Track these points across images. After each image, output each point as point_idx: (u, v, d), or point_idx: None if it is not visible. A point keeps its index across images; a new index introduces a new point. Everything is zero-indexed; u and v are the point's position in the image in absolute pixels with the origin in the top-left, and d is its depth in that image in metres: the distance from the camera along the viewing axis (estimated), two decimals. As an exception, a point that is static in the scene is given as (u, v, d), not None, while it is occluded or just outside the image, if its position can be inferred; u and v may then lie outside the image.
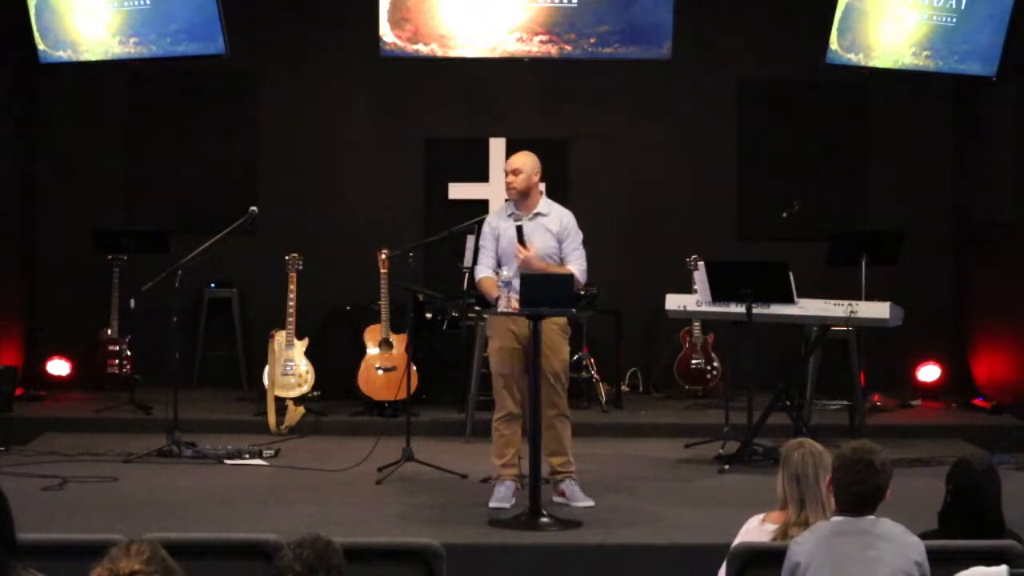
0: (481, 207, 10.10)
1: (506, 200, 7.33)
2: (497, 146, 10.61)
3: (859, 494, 4.05)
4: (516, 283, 6.73)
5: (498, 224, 7.18)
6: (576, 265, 7.06)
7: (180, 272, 8.26)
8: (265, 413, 9.19)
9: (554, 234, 7.07)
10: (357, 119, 10.86)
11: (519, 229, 7.00)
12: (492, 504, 6.95)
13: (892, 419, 9.68)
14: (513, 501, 6.96)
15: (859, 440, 4.28)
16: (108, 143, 10.78)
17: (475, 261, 7.39)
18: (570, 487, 7.06)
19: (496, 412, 7.12)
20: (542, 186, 7.34)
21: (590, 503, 7.01)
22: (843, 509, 4.10)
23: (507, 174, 7.12)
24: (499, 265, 7.05)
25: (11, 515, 3.54)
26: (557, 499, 7.04)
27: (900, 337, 9.28)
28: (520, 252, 6.95)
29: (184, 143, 10.73)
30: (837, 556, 3.98)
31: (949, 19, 9.57)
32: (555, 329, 7.01)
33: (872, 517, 4.05)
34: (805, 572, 3.98)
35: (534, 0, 10.03)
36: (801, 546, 4.06)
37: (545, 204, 7.15)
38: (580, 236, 7.18)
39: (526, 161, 7.10)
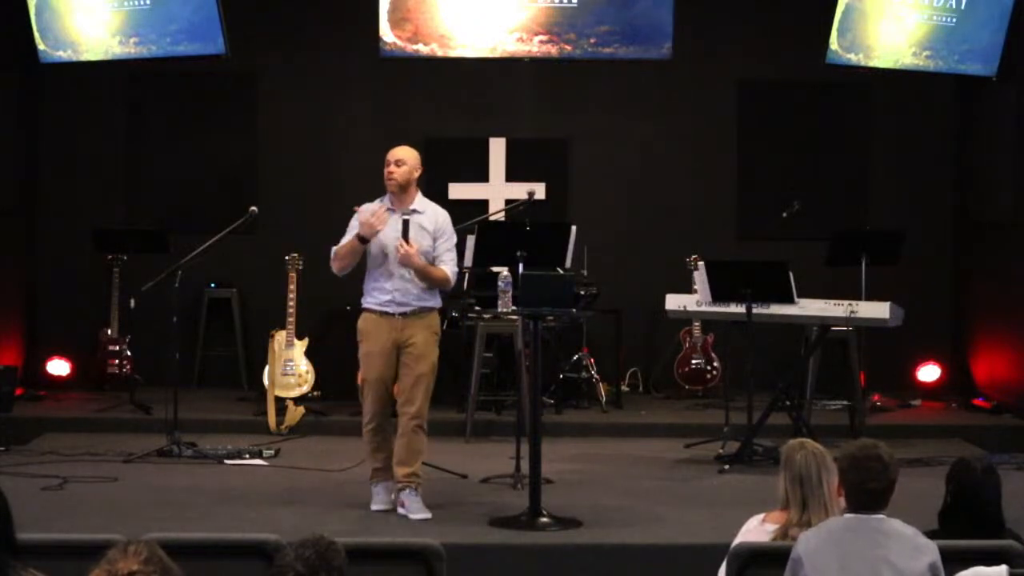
0: (481, 207, 10.12)
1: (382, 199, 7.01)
2: (497, 146, 10.62)
3: (872, 491, 4.03)
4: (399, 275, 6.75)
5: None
6: (449, 266, 6.89)
7: (180, 272, 8.27)
8: (265, 413, 9.19)
9: (429, 232, 6.87)
10: (357, 119, 10.86)
11: (405, 223, 6.78)
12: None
13: (892, 419, 9.67)
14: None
15: (860, 439, 4.27)
16: (108, 143, 10.78)
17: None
18: (410, 497, 6.82)
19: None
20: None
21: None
22: (854, 508, 4.07)
23: (388, 164, 6.91)
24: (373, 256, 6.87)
25: (11, 515, 3.53)
26: (400, 510, 6.82)
27: (900, 337, 9.27)
28: (402, 246, 6.74)
29: (184, 143, 10.72)
30: (845, 553, 3.96)
31: (949, 19, 9.57)
32: (427, 331, 6.89)
33: (882, 516, 4.04)
34: (811, 566, 3.96)
35: (534, 0, 10.04)
36: (808, 541, 4.04)
37: (421, 202, 6.96)
38: (454, 238, 6.99)
39: (409, 154, 6.93)
